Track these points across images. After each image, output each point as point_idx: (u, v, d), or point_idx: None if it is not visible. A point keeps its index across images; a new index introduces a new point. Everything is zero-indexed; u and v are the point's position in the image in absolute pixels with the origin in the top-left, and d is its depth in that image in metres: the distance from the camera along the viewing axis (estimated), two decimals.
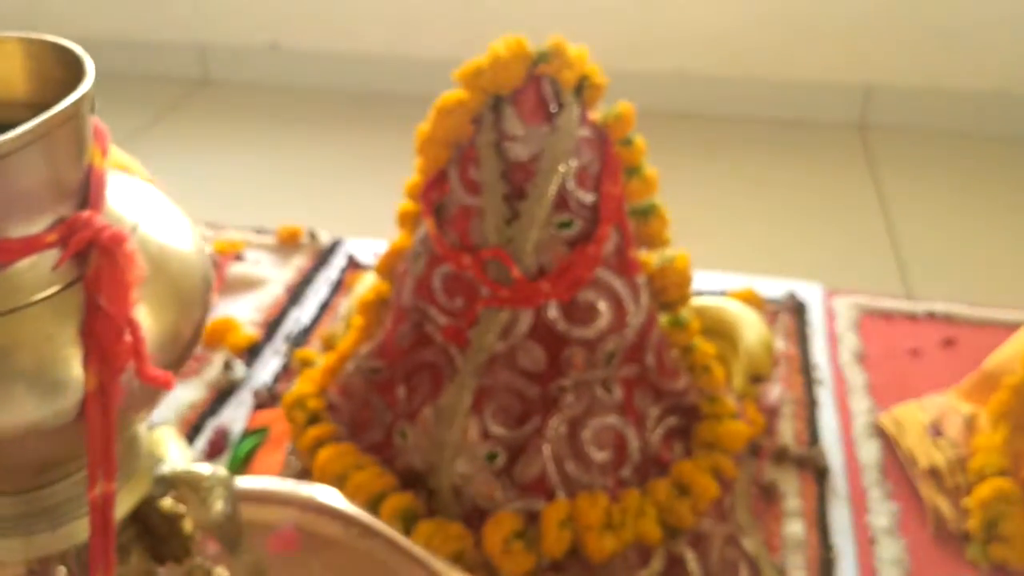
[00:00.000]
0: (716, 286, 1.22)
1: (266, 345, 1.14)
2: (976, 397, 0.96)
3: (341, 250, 1.34)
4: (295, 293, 1.24)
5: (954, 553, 0.85)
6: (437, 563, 0.56)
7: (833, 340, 1.12)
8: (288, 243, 1.35)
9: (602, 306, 0.77)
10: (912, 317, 1.16)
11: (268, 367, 1.11)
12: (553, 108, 0.74)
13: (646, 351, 0.81)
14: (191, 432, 1.00)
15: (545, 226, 0.74)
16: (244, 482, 0.60)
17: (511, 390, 0.78)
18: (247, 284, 1.26)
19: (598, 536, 0.73)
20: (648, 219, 0.82)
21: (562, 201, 0.75)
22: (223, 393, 1.06)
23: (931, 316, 1.16)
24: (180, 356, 0.35)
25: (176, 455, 0.91)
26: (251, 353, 1.12)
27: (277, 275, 1.28)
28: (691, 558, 0.76)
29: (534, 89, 0.75)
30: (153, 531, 0.40)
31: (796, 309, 1.17)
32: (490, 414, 0.78)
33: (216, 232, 1.38)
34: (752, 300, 1.16)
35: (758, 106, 2.11)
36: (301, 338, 1.15)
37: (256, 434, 0.96)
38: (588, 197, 0.75)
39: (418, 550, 0.57)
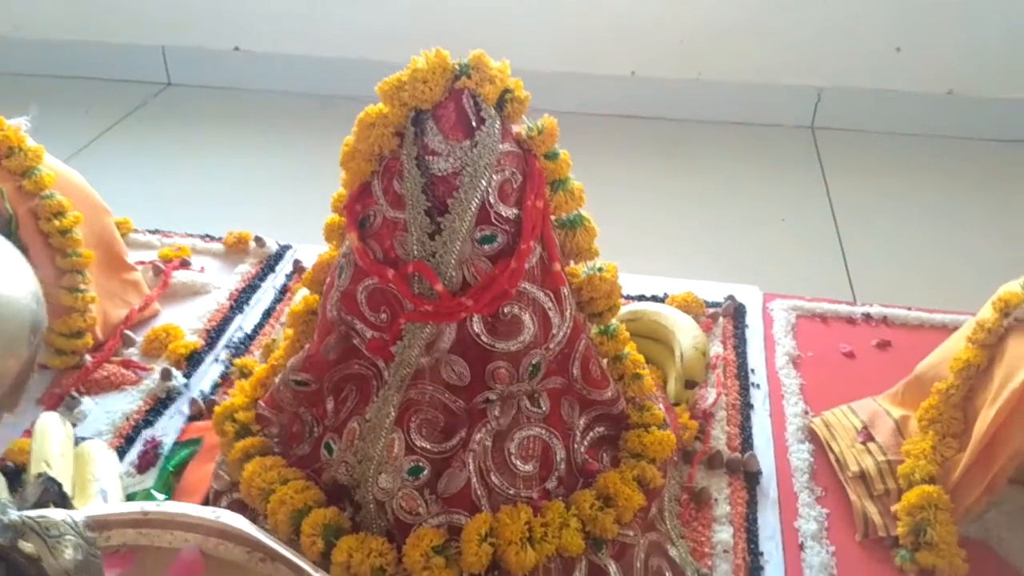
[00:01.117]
0: (658, 289, 1.23)
1: (207, 353, 1.13)
2: (907, 402, 0.97)
3: (289, 256, 1.33)
4: (239, 300, 1.23)
5: (882, 559, 0.87)
6: None
7: (770, 343, 1.13)
8: (235, 249, 1.34)
9: (526, 319, 0.77)
10: (849, 319, 1.18)
11: (208, 376, 1.10)
12: (474, 123, 0.74)
13: (571, 362, 0.81)
14: (125, 443, 0.99)
15: (467, 240, 0.74)
16: (148, 507, 0.60)
17: (436, 404, 0.78)
18: (191, 291, 1.25)
19: (519, 550, 0.73)
20: (575, 231, 0.82)
21: (484, 215, 0.74)
22: (160, 403, 1.06)
23: (867, 318, 1.18)
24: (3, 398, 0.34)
25: (103, 469, 0.90)
26: (191, 362, 1.12)
27: (223, 282, 1.27)
28: (613, 569, 0.77)
29: (455, 103, 0.74)
30: (20, 571, 0.40)
31: (735, 312, 1.17)
32: (415, 428, 0.78)
33: (163, 239, 1.37)
34: (692, 304, 1.17)
35: (713, 108, 2.12)
36: (242, 346, 1.15)
37: (188, 445, 0.95)
38: (510, 212, 0.75)
39: (319, 575, 0.57)
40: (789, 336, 1.14)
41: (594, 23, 2.10)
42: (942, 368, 0.92)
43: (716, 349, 1.11)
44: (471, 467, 0.77)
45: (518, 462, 0.79)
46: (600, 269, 0.84)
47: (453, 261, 0.74)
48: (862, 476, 0.92)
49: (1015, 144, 2.02)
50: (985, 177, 1.91)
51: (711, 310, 1.18)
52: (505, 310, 0.76)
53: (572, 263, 0.85)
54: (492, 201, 0.74)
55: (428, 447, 0.78)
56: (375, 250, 0.78)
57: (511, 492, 0.78)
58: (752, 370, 1.09)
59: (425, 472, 0.78)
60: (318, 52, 2.22)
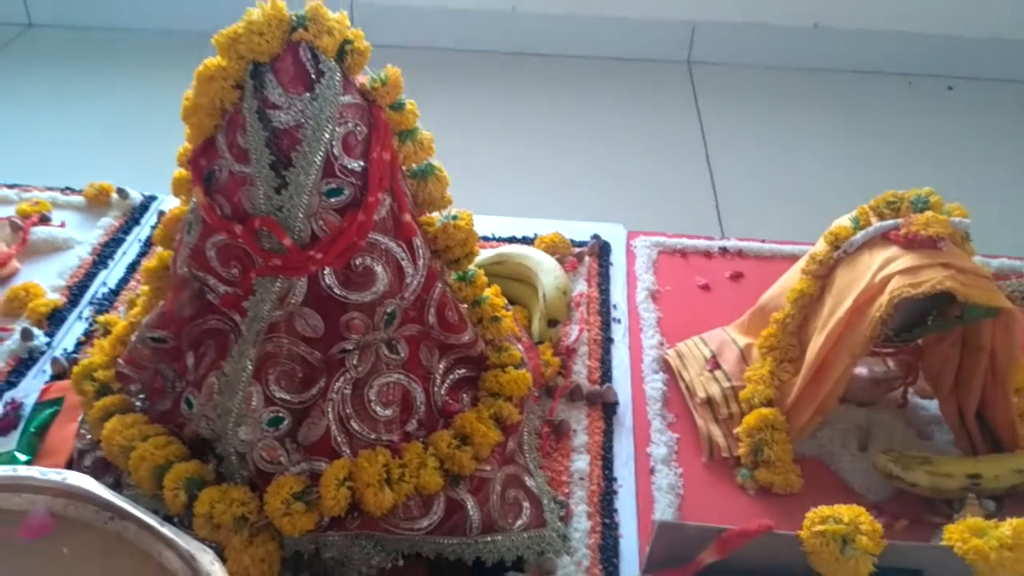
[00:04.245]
0: (528, 230, 1.26)
1: (70, 311, 1.11)
2: (751, 330, 1.04)
3: (154, 208, 1.31)
4: (103, 255, 1.21)
5: (725, 478, 0.93)
6: (184, 541, 0.58)
7: (632, 279, 1.18)
8: (97, 202, 1.30)
9: (379, 270, 0.78)
10: (707, 253, 1.23)
11: (71, 334, 1.09)
12: (313, 75, 0.74)
13: (427, 309, 0.84)
14: None
15: (314, 194, 0.75)
16: None
17: (293, 356, 0.79)
18: (52, 247, 1.22)
19: (376, 492, 0.76)
20: (426, 181, 0.84)
21: (330, 168, 0.75)
22: (22, 363, 1.04)
23: (724, 251, 1.23)
24: None
25: None
26: (54, 320, 1.09)
27: (85, 236, 1.24)
28: (471, 503, 0.81)
29: (292, 56, 0.74)
30: None
31: (600, 251, 1.22)
32: (273, 380, 0.79)
33: (22, 193, 1.32)
34: (559, 244, 1.20)
35: (594, 44, 2.14)
36: (106, 302, 1.13)
37: (50, 405, 0.95)
38: (356, 164, 0.76)
39: (167, 530, 0.59)
40: (650, 272, 1.19)
41: None
42: (781, 298, 0.98)
43: (580, 287, 1.15)
44: (330, 415, 0.80)
45: (378, 408, 0.81)
46: (455, 217, 0.86)
47: (301, 215, 0.75)
48: (709, 402, 0.98)
49: (876, 75, 2.11)
50: (849, 107, 2.00)
51: (577, 249, 1.21)
52: (357, 262, 0.77)
53: (427, 212, 0.86)
54: (337, 154, 0.75)
55: (287, 398, 0.80)
56: (222, 205, 0.77)
57: (372, 437, 0.81)
58: (614, 306, 1.14)
59: (285, 422, 0.79)
60: None
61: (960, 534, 0.68)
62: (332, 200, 0.76)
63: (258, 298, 0.77)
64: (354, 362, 0.81)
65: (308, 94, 0.74)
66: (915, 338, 0.93)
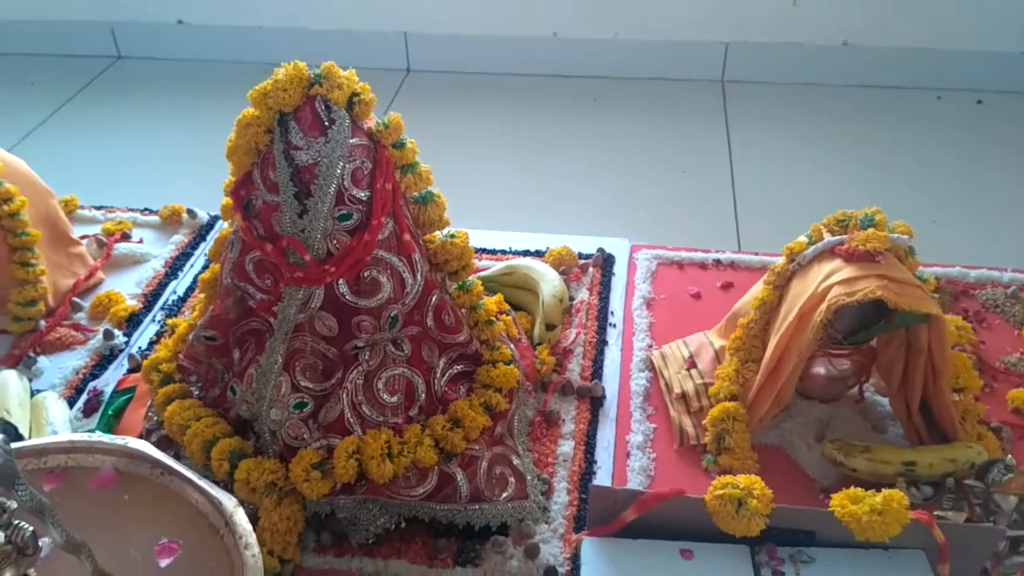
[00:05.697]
0: (542, 244, 1.40)
1: (145, 315, 1.31)
2: (726, 334, 1.16)
3: (218, 226, 1.50)
4: (174, 267, 1.41)
5: (692, 463, 1.06)
6: (214, 491, 0.74)
7: (631, 288, 1.31)
8: (170, 221, 1.51)
9: (384, 281, 0.94)
10: (702, 265, 1.35)
11: (145, 335, 1.28)
12: (326, 123, 0.91)
13: (425, 314, 0.99)
14: (75, 394, 1.18)
15: (329, 218, 0.91)
16: (74, 437, 0.78)
17: (315, 352, 0.96)
18: (132, 260, 1.42)
19: (379, 463, 0.92)
20: (426, 206, 0.99)
21: (340, 198, 0.91)
22: (104, 359, 1.24)
23: (717, 263, 1.35)
24: None
25: (55, 415, 1.08)
26: (131, 323, 1.29)
27: (159, 251, 1.44)
28: (461, 476, 0.96)
29: (310, 107, 0.91)
30: None
31: (604, 263, 1.35)
32: (299, 371, 0.96)
33: (107, 214, 1.53)
34: (566, 256, 1.34)
35: (631, 66, 2.27)
36: (175, 308, 1.32)
37: (125, 393, 1.14)
38: (362, 194, 0.92)
39: (204, 483, 0.75)
40: (648, 282, 1.32)
41: None
42: (747, 305, 1.10)
43: (582, 295, 1.29)
44: (344, 401, 0.96)
45: (385, 395, 0.97)
46: (452, 236, 1.02)
47: (318, 236, 0.92)
48: (683, 396, 1.11)
49: (905, 90, 2.18)
50: (878, 122, 2.07)
51: (583, 261, 1.35)
52: (365, 274, 0.94)
53: (429, 232, 1.02)
54: (346, 185, 0.91)
55: (311, 386, 0.96)
56: (258, 228, 0.95)
57: (380, 419, 0.97)
58: (612, 312, 1.27)
59: (309, 406, 0.96)
60: (257, 22, 2.35)
61: (841, 501, 0.80)
62: (343, 223, 0.92)
63: (285, 303, 0.94)
64: (366, 357, 0.97)
65: (323, 138, 0.90)
66: (862, 341, 1.04)
